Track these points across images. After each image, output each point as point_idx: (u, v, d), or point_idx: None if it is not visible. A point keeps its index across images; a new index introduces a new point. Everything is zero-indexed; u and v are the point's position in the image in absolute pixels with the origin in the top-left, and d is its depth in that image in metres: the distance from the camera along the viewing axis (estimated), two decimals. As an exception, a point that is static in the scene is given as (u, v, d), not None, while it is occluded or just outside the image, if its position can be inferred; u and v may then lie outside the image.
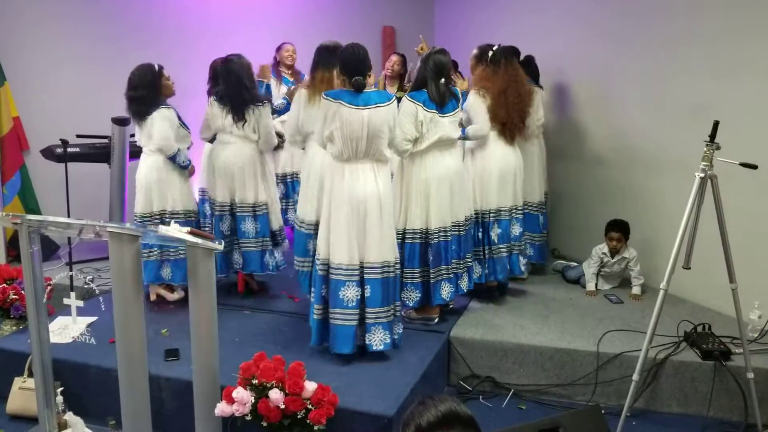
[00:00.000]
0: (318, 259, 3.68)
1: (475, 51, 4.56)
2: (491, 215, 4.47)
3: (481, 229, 4.50)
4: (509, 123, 4.43)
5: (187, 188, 4.53)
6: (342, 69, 3.63)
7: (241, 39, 6.64)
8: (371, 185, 3.57)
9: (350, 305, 3.58)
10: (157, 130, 4.28)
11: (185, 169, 4.48)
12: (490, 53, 4.45)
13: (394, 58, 5.99)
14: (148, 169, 4.39)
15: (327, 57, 4.05)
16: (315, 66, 4.14)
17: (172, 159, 4.38)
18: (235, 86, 4.36)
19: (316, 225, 3.97)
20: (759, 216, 4.01)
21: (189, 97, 5.79)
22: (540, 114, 5.07)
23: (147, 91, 4.28)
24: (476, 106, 4.37)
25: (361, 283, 3.60)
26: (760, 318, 3.95)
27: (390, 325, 3.64)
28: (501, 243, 4.50)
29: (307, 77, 4.39)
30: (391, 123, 3.63)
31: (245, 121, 4.39)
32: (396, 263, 3.71)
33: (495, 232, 4.49)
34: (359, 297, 3.59)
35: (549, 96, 5.58)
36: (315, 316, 3.68)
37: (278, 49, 6.00)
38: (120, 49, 6.22)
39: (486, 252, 4.51)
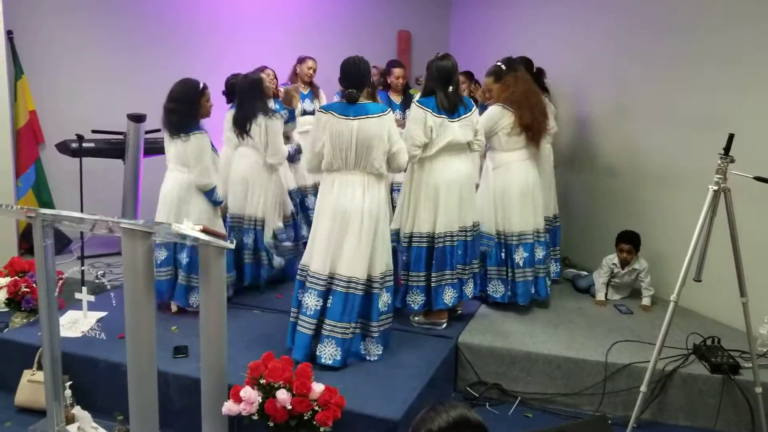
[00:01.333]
0: (301, 264, 3.74)
1: (487, 78, 4.53)
2: (515, 238, 4.45)
3: (504, 250, 4.48)
4: (535, 123, 4.40)
5: (210, 210, 4.34)
6: (340, 79, 3.67)
7: (258, 44, 6.70)
8: (357, 199, 3.58)
9: (308, 313, 3.59)
10: (195, 161, 4.15)
11: (217, 205, 4.36)
12: (502, 65, 4.44)
13: (397, 71, 5.88)
14: (172, 186, 4.25)
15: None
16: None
17: (209, 194, 4.25)
18: (240, 100, 4.51)
19: None
20: (772, 230, 3.99)
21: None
22: (553, 123, 5.05)
23: (186, 107, 4.14)
24: (490, 120, 4.37)
25: (327, 294, 3.61)
26: (770, 333, 3.93)
27: (343, 341, 3.57)
28: (527, 267, 4.46)
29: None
30: (383, 135, 3.59)
31: (247, 133, 4.50)
32: (371, 281, 3.65)
33: (520, 256, 4.44)
34: (319, 307, 3.60)
35: (562, 106, 5.56)
36: (291, 319, 3.75)
37: (299, 61, 5.87)
38: (136, 45, 6.30)
39: (509, 273, 4.50)
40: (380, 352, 3.74)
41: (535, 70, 5.00)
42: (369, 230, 3.58)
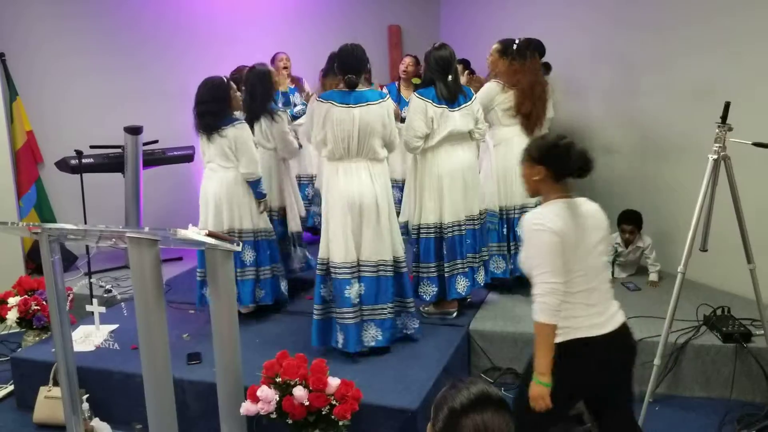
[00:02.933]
0: (320, 258, 3.73)
1: (497, 46, 4.51)
2: (516, 211, 4.47)
3: (506, 226, 4.50)
4: (533, 115, 4.42)
5: (255, 206, 4.28)
6: (338, 67, 3.67)
7: (249, 41, 6.70)
8: (366, 184, 3.61)
9: (356, 302, 3.62)
10: (241, 151, 4.08)
11: (260, 198, 4.26)
12: (515, 46, 4.42)
13: (408, 60, 5.93)
14: (218, 185, 4.15)
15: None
16: (325, 73, 4.18)
17: (255, 185, 4.18)
18: (247, 94, 4.41)
19: None
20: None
21: (189, 106, 5.85)
22: (550, 110, 5.03)
23: (217, 104, 4.09)
24: (487, 94, 4.38)
25: (358, 281, 3.65)
26: (779, 298, 3.94)
27: (383, 321, 3.65)
28: None
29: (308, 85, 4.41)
30: (384, 121, 3.63)
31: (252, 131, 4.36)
32: (397, 261, 3.74)
33: (520, 227, 4.47)
34: (362, 292, 3.63)
35: (557, 87, 5.55)
36: (315, 317, 3.73)
37: (272, 60, 5.87)
38: (129, 59, 6.29)
39: (511, 247, 4.52)
40: (417, 326, 3.83)
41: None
42: (384, 213, 3.64)
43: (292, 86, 5.93)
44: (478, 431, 1.47)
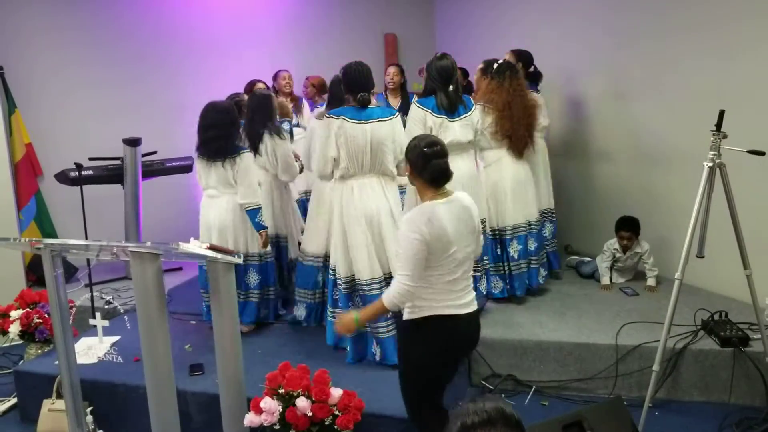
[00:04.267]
0: (339, 278, 3.76)
1: (480, 65, 4.56)
2: (508, 232, 4.52)
3: (499, 246, 4.54)
4: (514, 136, 4.44)
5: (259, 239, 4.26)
6: (346, 87, 3.70)
7: (246, 52, 6.75)
8: (381, 199, 3.66)
9: (389, 316, 3.64)
10: (241, 179, 4.05)
11: (261, 230, 4.17)
12: (495, 66, 4.46)
13: (392, 70, 5.92)
14: (222, 211, 4.12)
15: (340, 90, 4.00)
16: (331, 99, 4.18)
17: (252, 214, 4.11)
18: (248, 117, 4.40)
19: (325, 258, 4.07)
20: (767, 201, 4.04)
21: (194, 114, 5.88)
22: (541, 119, 5.02)
23: (226, 130, 4.06)
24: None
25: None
26: (776, 303, 3.98)
27: (387, 339, 3.72)
28: (521, 259, 4.54)
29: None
30: (394, 137, 3.66)
31: (257, 153, 4.35)
32: None
33: (514, 249, 4.52)
34: None
35: (554, 96, 5.60)
36: (330, 318, 3.86)
37: (274, 77, 5.87)
38: (127, 72, 6.34)
39: (505, 267, 4.56)
40: None
41: (531, 68, 4.99)
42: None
43: (291, 106, 5.92)
44: None
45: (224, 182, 4.09)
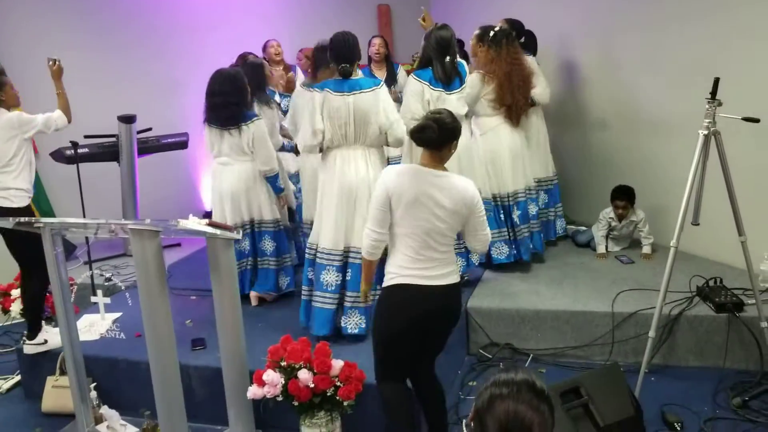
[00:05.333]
0: (309, 242, 3.81)
1: (476, 31, 4.53)
2: (509, 198, 4.55)
3: (502, 212, 4.57)
4: (515, 105, 4.47)
5: (269, 198, 4.31)
6: (331, 56, 3.68)
7: (236, 25, 6.70)
8: (362, 171, 3.64)
9: (329, 289, 3.67)
10: (259, 147, 4.10)
11: (278, 193, 4.30)
12: (492, 34, 4.44)
13: (377, 41, 5.86)
14: (236, 179, 4.16)
15: (324, 56, 3.98)
16: (316, 65, 4.17)
17: (273, 180, 4.21)
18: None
19: None
20: (762, 168, 4.05)
21: (180, 93, 5.84)
22: (540, 90, 4.99)
23: (237, 98, 4.05)
24: (473, 86, 4.36)
25: (345, 267, 3.70)
26: (770, 268, 4.02)
27: (366, 309, 3.69)
28: (522, 224, 4.59)
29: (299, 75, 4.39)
30: (379, 107, 3.62)
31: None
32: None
33: (516, 214, 4.56)
34: (339, 282, 3.69)
35: (550, 65, 5.57)
36: (303, 297, 3.84)
37: (263, 48, 5.82)
38: (118, 49, 6.28)
39: (510, 233, 4.59)
40: None
41: (523, 38, 4.94)
42: None
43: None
44: (509, 418, 1.54)
45: (237, 150, 4.13)
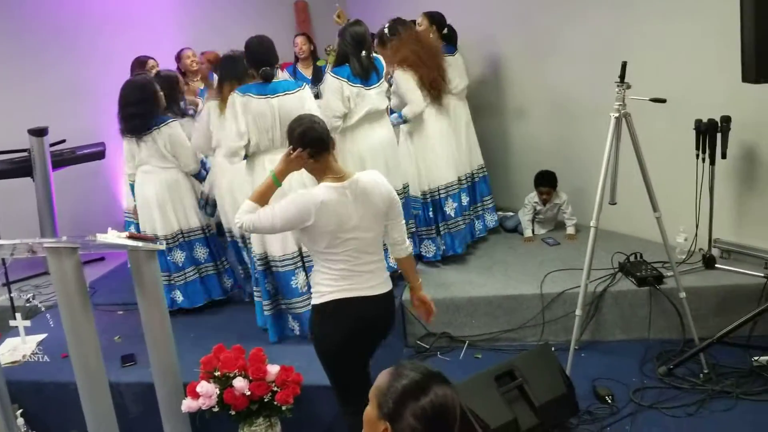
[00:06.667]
0: (254, 255, 3.72)
1: (375, 41, 4.46)
2: (441, 192, 4.54)
3: (431, 208, 4.56)
4: (434, 80, 4.44)
5: (195, 202, 4.32)
6: (249, 62, 3.62)
7: (148, 30, 6.49)
8: (294, 174, 3.58)
9: (304, 291, 3.65)
10: (178, 149, 4.09)
11: (202, 179, 4.34)
12: (385, 30, 4.43)
13: (299, 40, 5.82)
14: (159, 187, 4.12)
15: (232, 67, 3.88)
16: (221, 77, 4.02)
17: (199, 173, 4.27)
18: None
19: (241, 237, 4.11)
20: (673, 146, 4.23)
21: (91, 101, 5.64)
22: (458, 80, 5.03)
23: (145, 106, 4.02)
24: (405, 83, 4.33)
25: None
26: (685, 240, 4.20)
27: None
28: (458, 216, 4.60)
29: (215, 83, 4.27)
30: (304, 108, 3.57)
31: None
32: None
33: (450, 207, 4.56)
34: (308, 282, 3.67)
35: (468, 56, 5.63)
36: (266, 312, 3.76)
37: (178, 58, 5.63)
38: (25, 60, 6.00)
39: (441, 228, 4.60)
40: None
41: (445, 30, 4.95)
42: None
43: (201, 86, 5.72)
44: (440, 405, 1.53)
45: (157, 156, 4.08)
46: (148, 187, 4.15)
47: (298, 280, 3.66)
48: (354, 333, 2.61)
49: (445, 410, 1.53)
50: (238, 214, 2.58)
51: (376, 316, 2.68)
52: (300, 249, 3.67)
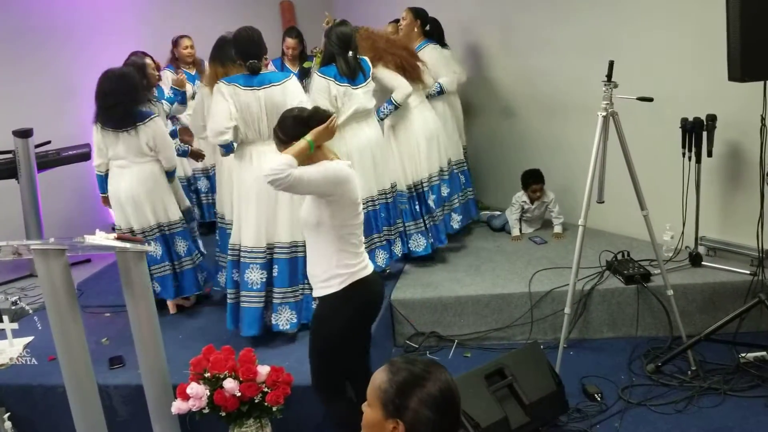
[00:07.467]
0: (231, 243, 3.74)
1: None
2: (424, 184, 4.55)
3: (417, 201, 4.56)
4: (404, 62, 4.37)
5: (174, 197, 4.25)
6: (237, 53, 3.62)
7: (133, 26, 6.45)
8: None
9: (254, 288, 3.64)
10: (161, 145, 4.01)
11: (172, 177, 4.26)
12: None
13: (292, 42, 5.82)
14: (136, 182, 4.02)
15: (222, 50, 3.93)
16: (211, 57, 4.05)
17: (173, 172, 4.21)
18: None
19: None
20: (659, 145, 4.26)
21: (76, 102, 5.59)
22: (455, 74, 5.10)
23: (129, 97, 3.92)
24: (384, 73, 4.32)
25: (270, 264, 3.67)
26: (672, 238, 4.24)
27: (297, 304, 3.69)
28: (437, 207, 4.62)
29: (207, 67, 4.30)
30: (291, 100, 3.57)
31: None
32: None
33: (431, 199, 4.57)
34: (264, 279, 3.65)
35: (455, 52, 5.64)
36: (229, 300, 3.77)
37: (174, 44, 5.71)
38: (7, 62, 5.93)
39: (427, 221, 4.60)
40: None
41: (427, 26, 4.99)
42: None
43: (193, 72, 5.75)
44: (446, 388, 1.54)
45: (135, 151, 3.99)
46: (122, 183, 4.05)
47: (251, 275, 3.64)
48: (370, 311, 2.81)
49: (451, 392, 1.54)
50: (278, 165, 2.51)
51: (381, 291, 2.88)
52: (268, 244, 3.64)
